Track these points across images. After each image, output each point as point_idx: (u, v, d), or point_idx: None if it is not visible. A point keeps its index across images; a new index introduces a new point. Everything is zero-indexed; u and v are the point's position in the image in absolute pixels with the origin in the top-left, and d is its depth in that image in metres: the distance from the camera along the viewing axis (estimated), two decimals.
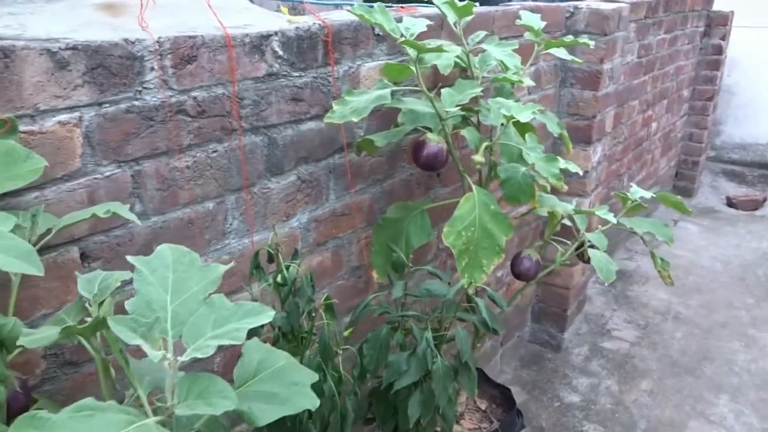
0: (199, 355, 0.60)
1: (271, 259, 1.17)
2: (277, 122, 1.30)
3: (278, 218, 1.37)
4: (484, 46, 1.43)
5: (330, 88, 1.40)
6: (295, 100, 1.33)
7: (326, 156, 1.45)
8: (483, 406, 1.99)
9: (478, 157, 1.36)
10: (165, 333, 0.63)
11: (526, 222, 2.48)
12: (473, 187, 1.37)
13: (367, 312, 1.35)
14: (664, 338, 3.01)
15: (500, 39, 1.82)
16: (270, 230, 1.36)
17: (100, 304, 0.73)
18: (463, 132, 1.40)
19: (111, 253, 1.06)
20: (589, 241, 1.55)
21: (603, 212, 1.45)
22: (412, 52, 1.24)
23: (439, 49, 1.21)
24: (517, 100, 1.64)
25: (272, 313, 0.68)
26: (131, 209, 1.07)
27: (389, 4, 1.55)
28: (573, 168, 1.44)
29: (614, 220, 1.46)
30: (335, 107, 1.23)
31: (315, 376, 0.77)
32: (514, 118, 1.27)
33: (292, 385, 0.73)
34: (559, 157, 1.43)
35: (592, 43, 1.64)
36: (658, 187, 4.41)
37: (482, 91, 1.54)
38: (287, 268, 1.14)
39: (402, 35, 1.26)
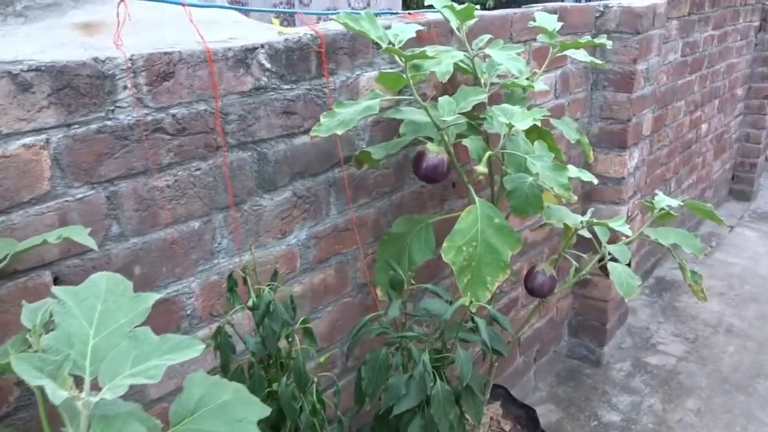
0: (108, 396, 0.56)
1: (244, 281, 1.12)
2: (267, 137, 1.26)
3: (273, 235, 1.33)
4: (487, 50, 1.36)
5: (326, 100, 1.35)
6: (287, 113, 1.29)
7: (324, 170, 1.41)
8: (507, 428, 1.89)
9: (481, 168, 1.29)
10: (82, 370, 0.59)
11: (555, 233, 2.37)
12: (476, 199, 1.30)
13: (365, 332, 1.29)
14: (714, 353, 2.83)
15: (515, 42, 1.74)
16: (265, 247, 1.32)
17: (41, 335, 0.70)
18: (465, 141, 1.33)
19: (86, 277, 1.03)
20: (610, 254, 1.45)
21: (618, 224, 1.34)
22: (401, 60, 1.18)
23: (423, 56, 1.14)
24: (529, 107, 1.56)
25: (201, 347, 0.63)
26: (107, 231, 1.05)
27: (397, 12, 1.49)
28: (586, 177, 1.34)
29: (628, 232, 1.35)
30: (322, 120, 1.18)
31: (265, 411, 0.72)
32: (513, 125, 1.19)
33: (235, 422, 0.68)
34: (570, 166, 1.34)
35: (609, 43, 1.54)
36: (712, 191, 4.18)
37: (491, 97, 1.46)
38: (261, 291, 1.09)
39: (390, 43, 1.21)
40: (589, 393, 2.57)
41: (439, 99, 1.29)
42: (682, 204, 1.47)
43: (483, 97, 1.33)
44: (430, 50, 1.27)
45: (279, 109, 1.27)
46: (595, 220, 1.39)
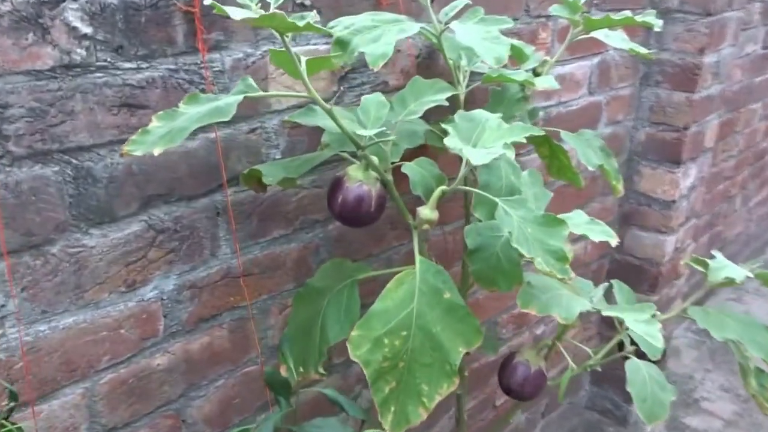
0: None
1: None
2: (92, 143, 0.81)
3: (111, 288, 0.88)
4: (453, 25, 0.86)
5: (203, 87, 0.89)
6: (130, 106, 0.83)
7: (206, 191, 0.95)
8: None
9: (426, 212, 0.81)
10: None
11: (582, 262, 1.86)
12: (417, 258, 0.82)
13: None
14: None
15: (532, 16, 1.24)
16: (98, 306, 0.88)
17: None
18: (405, 168, 0.85)
19: None
20: (632, 343, 0.95)
21: (634, 318, 0.83)
22: (278, 32, 0.71)
23: (308, 27, 0.66)
24: (532, 111, 1.06)
25: None
26: None
27: None
28: (599, 235, 0.85)
29: (659, 343, 0.83)
30: (141, 131, 0.71)
31: None
32: (464, 155, 0.70)
33: None
34: (578, 215, 0.85)
35: (658, 23, 1.02)
36: None
37: (475, 96, 0.98)
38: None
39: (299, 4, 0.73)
40: None
41: (363, 99, 0.81)
42: (750, 275, 0.96)
43: (442, 97, 0.84)
44: (363, 18, 0.79)
45: (114, 100, 0.82)
46: (607, 308, 0.88)
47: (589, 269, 1.95)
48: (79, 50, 0.77)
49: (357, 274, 0.96)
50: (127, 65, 0.82)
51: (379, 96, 0.80)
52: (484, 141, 0.76)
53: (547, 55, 1.33)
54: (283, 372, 0.99)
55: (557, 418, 2.16)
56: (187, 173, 0.92)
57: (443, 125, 0.81)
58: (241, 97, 0.70)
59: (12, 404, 0.65)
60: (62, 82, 0.77)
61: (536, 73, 1.12)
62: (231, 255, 1.01)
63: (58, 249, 0.82)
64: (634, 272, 2.02)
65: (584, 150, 1.09)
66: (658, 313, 1.05)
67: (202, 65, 0.88)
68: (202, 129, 0.91)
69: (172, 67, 0.86)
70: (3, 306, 0.79)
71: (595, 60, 1.65)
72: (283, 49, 0.75)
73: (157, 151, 0.67)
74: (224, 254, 1.00)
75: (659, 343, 0.79)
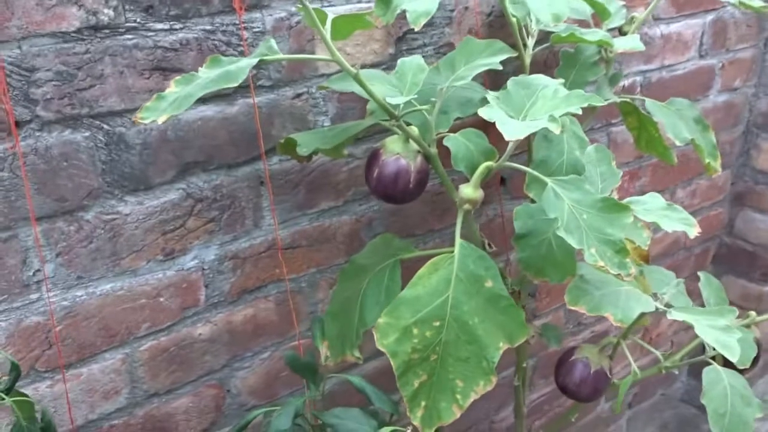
0: None
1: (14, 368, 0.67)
2: (124, 108, 0.79)
3: (148, 256, 0.87)
4: None
5: (242, 49, 0.84)
6: (163, 70, 0.80)
7: (247, 159, 0.91)
8: None
9: (468, 191, 0.72)
10: None
11: (684, 245, 1.69)
12: (457, 241, 0.74)
13: None
14: None
15: None
16: (135, 274, 0.87)
17: None
18: (447, 141, 0.76)
19: None
20: (712, 348, 0.82)
21: (708, 324, 0.69)
22: None
23: None
24: (613, 77, 0.93)
25: None
26: None
27: None
28: (672, 224, 0.72)
29: (734, 349, 0.69)
30: (156, 96, 0.67)
31: None
32: (497, 123, 0.60)
33: None
34: (651, 198, 0.73)
35: None
36: None
37: (542, 60, 0.87)
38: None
39: None
40: None
41: (400, 62, 0.73)
42: None
43: (496, 60, 0.74)
44: None
45: (145, 63, 0.78)
46: (676, 311, 0.75)
47: (692, 254, 1.77)
48: (106, 10, 0.74)
49: (402, 253, 0.89)
50: (159, 26, 0.78)
51: (417, 58, 0.72)
52: (535, 111, 0.66)
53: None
54: (323, 351, 0.95)
55: (648, 409, 2.01)
56: (227, 140, 0.88)
57: (489, 94, 0.71)
58: (255, 60, 0.64)
59: (14, 375, 0.64)
60: (90, 45, 0.74)
61: (623, 32, 0.98)
62: (271, 226, 0.97)
63: (93, 215, 0.81)
64: (745, 258, 1.81)
65: (673, 121, 0.95)
66: (753, 314, 0.90)
67: (239, 25, 0.83)
68: (243, 94, 0.87)
69: (208, 27, 0.82)
70: (38, 271, 0.79)
71: (708, 17, 1.44)
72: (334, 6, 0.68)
73: (161, 120, 0.63)
74: (269, 225, 0.97)
75: (735, 356, 0.66)
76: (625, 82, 1.35)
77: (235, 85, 0.63)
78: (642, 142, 1.09)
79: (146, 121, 0.64)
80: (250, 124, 0.89)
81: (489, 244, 0.86)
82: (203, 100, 0.84)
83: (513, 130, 0.59)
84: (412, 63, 0.71)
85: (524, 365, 0.99)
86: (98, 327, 0.86)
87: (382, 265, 0.89)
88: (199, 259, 0.92)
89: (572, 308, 0.75)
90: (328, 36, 0.65)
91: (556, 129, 0.59)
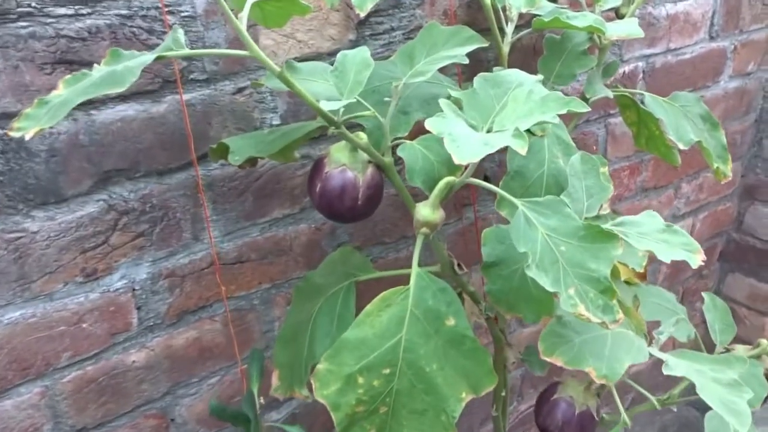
0: None
1: None
2: (21, 109, 0.66)
3: (65, 278, 0.75)
4: None
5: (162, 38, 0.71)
6: (70, 63, 0.67)
7: (182, 165, 0.79)
8: None
9: (426, 212, 0.60)
10: None
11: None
12: (414, 270, 0.62)
13: None
14: None
15: None
16: (51, 299, 0.75)
17: None
18: (401, 150, 0.63)
19: None
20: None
21: (712, 378, 0.56)
22: None
23: None
24: (607, 68, 0.80)
25: None
26: None
27: None
28: (674, 251, 0.60)
29: (744, 413, 0.57)
30: (37, 101, 0.54)
31: None
32: (445, 138, 0.47)
33: None
34: (636, 223, 0.60)
35: None
36: None
37: (523, 48, 0.74)
38: None
39: None
40: None
41: (340, 56, 0.60)
42: None
43: (462, 51, 0.61)
44: None
45: (45, 56, 0.66)
46: (673, 363, 0.62)
47: None
48: None
49: (358, 273, 0.77)
50: (61, 11, 0.65)
51: (361, 52, 0.58)
52: (504, 118, 0.53)
53: None
54: (273, 381, 0.83)
55: (648, 412, 1.90)
56: (155, 143, 0.76)
57: (452, 93, 0.59)
58: (150, 57, 0.52)
59: None
60: None
61: (620, 15, 0.85)
62: (220, 238, 0.85)
63: None
64: (754, 256, 1.68)
65: (676, 120, 0.82)
66: (765, 342, 0.78)
67: (163, 9, 0.70)
68: (172, 89, 0.75)
69: (124, 12, 0.69)
70: None
71: None
72: None
73: (29, 135, 0.50)
74: (210, 237, 0.85)
75: (744, 426, 0.54)
76: (626, 68, 1.22)
77: (122, 89, 0.50)
78: (641, 139, 0.96)
79: (22, 134, 0.51)
80: (182, 124, 0.77)
81: (459, 265, 0.73)
82: (123, 98, 0.72)
83: (465, 151, 0.45)
84: (355, 57, 0.58)
85: (503, 394, 0.87)
86: (8, 359, 0.75)
87: (335, 288, 0.77)
88: (128, 278, 0.80)
89: (547, 359, 0.63)
90: (242, 25, 0.52)
91: (520, 148, 0.46)
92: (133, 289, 0.81)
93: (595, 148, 1.23)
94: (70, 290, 0.76)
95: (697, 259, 0.60)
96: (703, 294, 0.85)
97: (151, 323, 0.84)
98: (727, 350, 0.83)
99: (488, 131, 0.54)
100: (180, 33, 0.54)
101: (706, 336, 0.89)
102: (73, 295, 0.77)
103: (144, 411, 0.88)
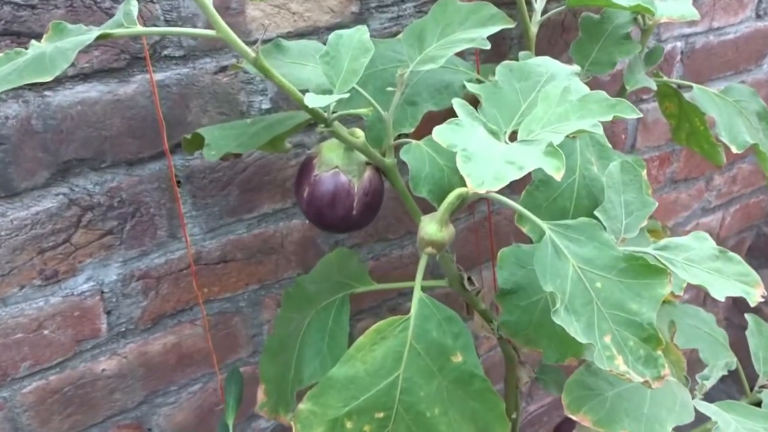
0: None
1: None
2: None
3: (21, 281, 0.66)
4: None
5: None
6: (18, 36, 0.57)
7: (155, 154, 0.69)
8: None
9: (432, 229, 0.49)
10: None
11: (716, 235, 1.45)
12: (416, 295, 0.52)
13: None
14: None
15: None
16: (5, 304, 0.66)
17: None
18: (404, 152, 0.53)
19: None
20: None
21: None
22: None
23: None
24: (649, 56, 0.69)
25: None
26: None
27: None
28: (730, 286, 0.49)
29: None
30: None
31: None
32: (459, 154, 0.37)
33: None
34: (684, 246, 0.50)
35: None
36: None
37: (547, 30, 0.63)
38: None
39: None
40: None
41: (332, 38, 0.49)
42: None
43: (482, 34, 0.50)
44: None
45: None
46: (719, 417, 0.52)
47: (725, 246, 1.52)
48: None
49: (354, 284, 0.67)
50: None
51: (359, 32, 0.47)
52: (532, 122, 0.43)
53: None
54: (260, 396, 0.75)
55: None
56: (123, 130, 0.66)
57: (468, 86, 0.48)
58: (87, 38, 0.41)
59: None
60: None
61: None
62: (202, 236, 0.76)
63: None
64: None
65: (730, 119, 0.70)
66: None
67: None
68: (142, 67, 0.64)
69: None
70: None
71: None
72: None
73: None
74: (191, 235, 0.75)
75: None
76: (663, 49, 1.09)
77: (49, 78, 0.40)
78: (681, 133, 0.85)
79: None
80: (154, 108, 0.66)
81: (470, 279, 0.64)
82: (83, 77, 0.62)
83: (484, 173, 0.35)
84: (351, 40, 0.47)
85: (514, 416, 0.78)
86: None
87: (328, 300, 0.68)
88: (95, 280, 0.71)
89: (572, 417, 0.54)
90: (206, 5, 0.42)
91: (555, 172, 0.35)
92: (102, 292, 0.72)
93: (623, 137, 1.12)
94: (27, 294, 0.68)
95: (756, 294, 0.49)
96: (747, 316, 0.75)
97: (123, 329, 0.75)
98: None
99: (511, 137, 0.44)
100: (132, 5, 0.43)
101: (746, 360, 0.79)
102: (31, 300, 0.68)
103: (117, 421, 0.80)
